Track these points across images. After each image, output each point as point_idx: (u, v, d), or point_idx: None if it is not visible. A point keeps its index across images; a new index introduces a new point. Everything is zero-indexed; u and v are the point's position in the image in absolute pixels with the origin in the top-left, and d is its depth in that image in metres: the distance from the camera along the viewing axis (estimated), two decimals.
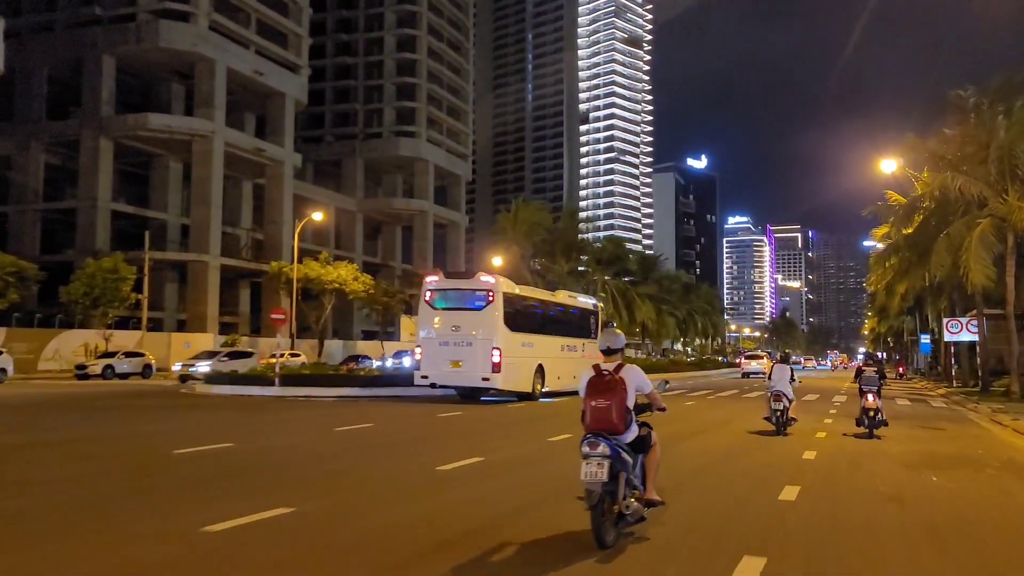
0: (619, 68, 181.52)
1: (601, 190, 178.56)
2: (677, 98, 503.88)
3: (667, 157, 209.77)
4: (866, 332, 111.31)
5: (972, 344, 35.92)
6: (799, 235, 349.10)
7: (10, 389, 26.52)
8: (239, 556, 5.26)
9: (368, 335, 70.25)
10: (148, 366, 38.31)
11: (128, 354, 38.68)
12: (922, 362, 61.43)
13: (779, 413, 13.58)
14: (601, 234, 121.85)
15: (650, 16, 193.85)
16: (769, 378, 14.41)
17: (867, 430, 13.43)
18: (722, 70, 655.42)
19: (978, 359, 33.39)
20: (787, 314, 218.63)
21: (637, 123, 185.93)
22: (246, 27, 63.24)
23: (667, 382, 7.03)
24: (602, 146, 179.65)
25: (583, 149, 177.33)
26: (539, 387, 22.60)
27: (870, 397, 13.52)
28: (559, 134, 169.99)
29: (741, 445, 12.41)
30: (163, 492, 7.63)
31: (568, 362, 24.38)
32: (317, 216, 50.87)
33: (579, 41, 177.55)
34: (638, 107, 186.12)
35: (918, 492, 8.22)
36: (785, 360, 15.14)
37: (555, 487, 8.12)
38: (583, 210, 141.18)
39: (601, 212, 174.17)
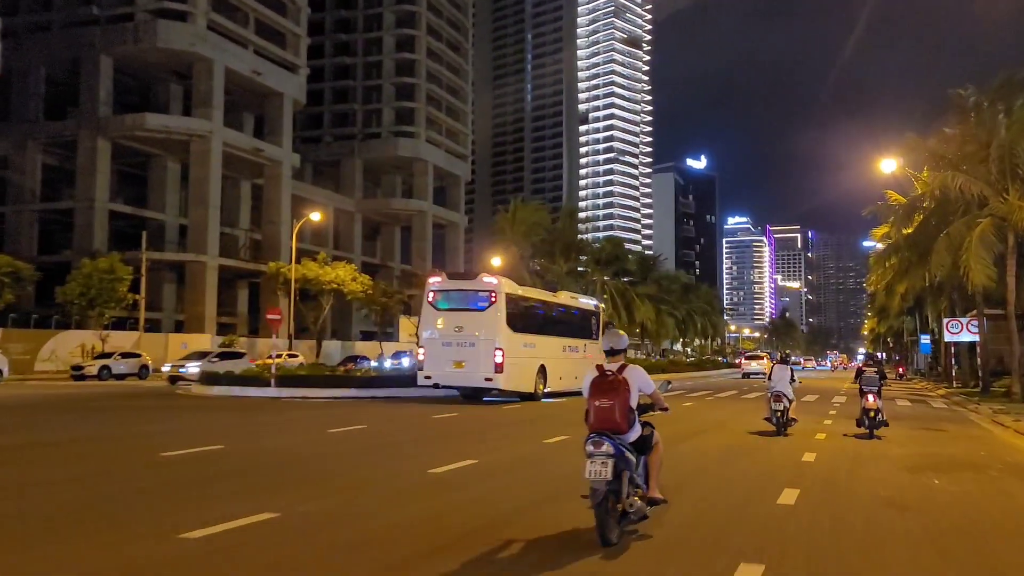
0: (618, 68, 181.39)
1: (600, 190, 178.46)
2: (677, 98, 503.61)
3: (666, 157, 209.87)
4: (866, 332, 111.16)
5: (972, 344, 35.76)
6: (799, 235, 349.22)
7: (5, 390, 26.34)
8: (216, 565, 5.08)
9: (367, 336, 70.11)
10: (145, 367, 38.14)
11: (125, 355, 38.52)
12: (922, 362, 61.26)
13: (779, 414, 13.55)
14: (600, 234, 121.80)
15: (649, 16, 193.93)
16: (769, 379, 14.35)
17: (867, 430, 13.41)
18: (722, 70, 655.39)
19: (978, 359, 33.23)
20: (787, 314, 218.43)
21: (636, 123, 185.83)
22: (244, 27, 63.09)
23: (669, 382, 7.06)
24: (601, 146, 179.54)
25: (582, 149, 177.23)
26: (541, 387, 22.67)
27: (871, 398, 13.49)
28: (558, 134, 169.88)
29: (740, 446, 12.24)
30: (145, 496, 7.45)
31: (570, 363, 24.49)
32: (315, 216, 50.74)
33: (578, 41, 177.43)
34: (637, 107, 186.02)
35: (920, 496, 8.04)
36: (785, 361, 15.10)
37: (551, 489, 7.99)
38: (583, 210, 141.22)
39: (600, 212, 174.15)
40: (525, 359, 21.94)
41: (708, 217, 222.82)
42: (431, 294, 21.95)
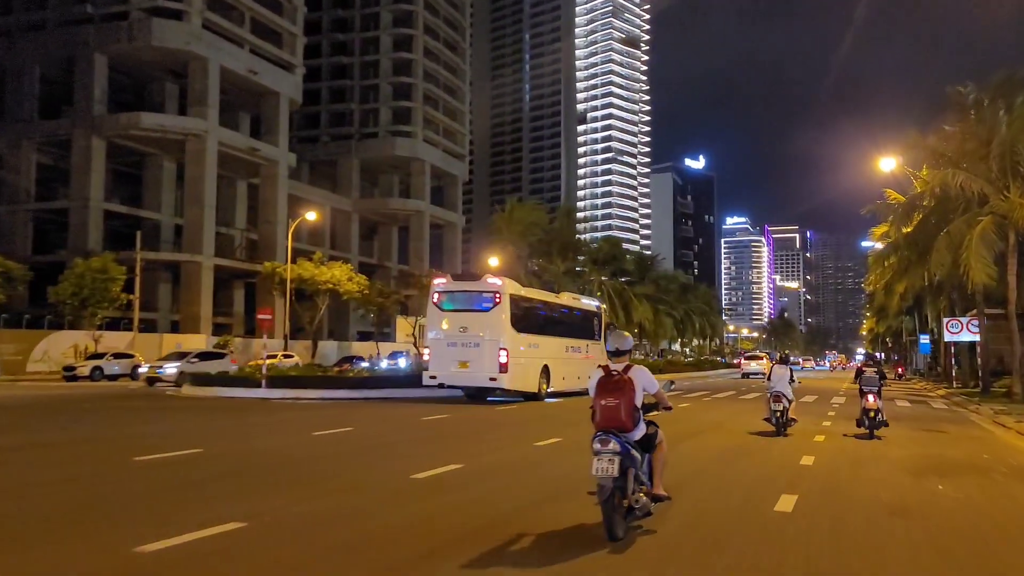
0: (617, 68, 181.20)
1: (599, 190, 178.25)
2: (675, 98, 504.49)
3: (665, 157, 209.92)
4: (864, 332, 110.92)
5: (972, 344, 35.49)
6: (797, 235, 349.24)
7: None
8: None
9: (364, 336, 69.83)
10: (137, 368, 37.75)
11: (117, 355, 38.20)
12: (921, 362, 60.99)
13: (779, 414, 13.49)
14: (599, 234, 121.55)
15: (648, 16, 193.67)
16: (768, 379, 14.26)
17: (867, 431, 13.36)
18: (720, 70, 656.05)
19: (978, 359, 32.95)
20: (785, 315, 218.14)
21: (635, 123, 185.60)
22: (240, 25, 62.76)
23: (672, 382, 7.21)
24: (600, 146, 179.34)
25: (581, 149, 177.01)
26: (544, 387, 22.87)
27: (871, 398, 13.42)
28: (557, 134, 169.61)
29: (737, 448, 11.96)
30: (108, 506, 7.04)
31: (572, 363, 24.75)
32: (311, 216, 50.35)
33: (576, 41, 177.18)
34: (636, 107, 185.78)
35: (924, 502, 7.71)
36: (784, 361, 15.01)
37: (549, 490, 7.73)
38: (581, 210, 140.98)
39: (599, 212, 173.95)
40: (529, 359, 22.15)
41: (706, 217, 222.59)
42: (436, 295, 22.16)
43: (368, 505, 7.15)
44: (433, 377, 21.52)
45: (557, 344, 24.41)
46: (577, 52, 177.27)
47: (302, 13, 71.13)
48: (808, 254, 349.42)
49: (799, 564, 5.37)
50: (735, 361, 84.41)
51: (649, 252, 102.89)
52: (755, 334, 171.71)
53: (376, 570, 5.07)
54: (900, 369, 56.56)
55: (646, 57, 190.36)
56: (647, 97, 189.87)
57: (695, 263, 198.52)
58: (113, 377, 36.05)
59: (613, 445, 5.61)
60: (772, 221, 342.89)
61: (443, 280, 22.82)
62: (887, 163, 31.52)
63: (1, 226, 57.22)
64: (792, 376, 13.94)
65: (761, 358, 57.24)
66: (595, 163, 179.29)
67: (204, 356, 34.03)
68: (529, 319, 22.92)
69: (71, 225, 55.94)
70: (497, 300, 21.36)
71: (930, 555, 5.76)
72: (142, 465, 9.36)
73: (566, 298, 27.91)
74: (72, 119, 57.31)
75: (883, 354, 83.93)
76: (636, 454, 5.78)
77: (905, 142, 30.64)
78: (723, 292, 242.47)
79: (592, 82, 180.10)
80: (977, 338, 30.88)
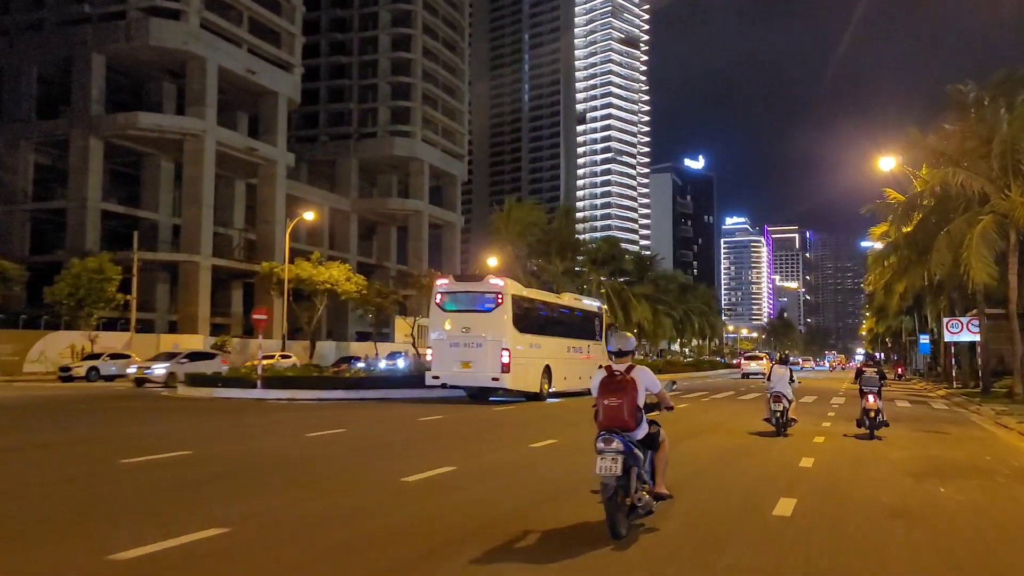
0: (616, 68, 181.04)
1: (598, 190, 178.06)
2: (674, 98, 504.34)
3: (664, 157, 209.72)
4: (864, 332, 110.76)
5: (972, 344, 35.31)
6: (796, 236, 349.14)
7: None
8: None
9: (362, 336, 69.62)
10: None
11: (114, 356, 38.01)
12: (921, 363, 60.82)
13: (779, 414, 13.47)
14: (598, 235, 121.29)
15: (647, 16, 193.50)
16: (768, 379, 14.23)
17: (868, 431, 13.32)
18: (720, 70, 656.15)
19: (979, 360, 32.77)
20: (785, 315, 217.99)
21: (634, 123, 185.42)
22: (238, 25, 62.59)
23: (674, 382, 7.36)
24: (599, 146, 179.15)
25: (580, 149, 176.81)
26: (546, 387, 22.99)
27: (871, 398, 13.38)
28: (556, 134, 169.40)
29: (738, 448, 11.82)
30: (89, 511, 6.84)
31: (574, 363, 24.89)
32: (309, 216, 50.14)
33: (576, 41, 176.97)
34: (635, 107, 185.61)
35: (926, 506, 7.53)
36: (784, 361, 15.00)
37: (536, 496, 7.51)
38: (580, 211, 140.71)
39: (598, 213, 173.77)
40: (531, 359, 22.26)
41: (706, 217, 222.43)
42: (438, 296, 22.28)
43: (359, 508, 6.98)
44: (436, 377, 21.60)
45: (559, 344, 24.48)
46: (576, 52, 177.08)
47: (300, 13, 70.97)
48: (807, 254, 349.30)
49: (799, 564, 5.28)
50: (735, 361, 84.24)
51: (648, 252, 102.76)
52: (754, 334, 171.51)
53: (376, 571, 4.95)
54: (900, 369, 56.41)
55: (645, 57, 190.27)
56: (646, 97, 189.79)
57: (694, 263, 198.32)
58: (110, 378, 35.85)
59: (616, 444, 5.68)
60: (771, 221, 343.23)
61: (446, 281, 22.97)
62: (887, 162, 31.34)
63: None
64: (792, 376, 13.91)
65: (761, 358, 57.11)
66: (594, 163, 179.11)
67: (194, 356, 33.35)
68: (531, 319, 23.03)
69: (69, 225, 55.77)
70: (499, 301, 21.45)
71: (932, 558, 5.61)
72: (129, 467, 9.18)
73: (567, 299, 28.08)
74: (70, 119, 57.16)
75: (882, 354, 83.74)
76: (639, 453, 5.87)
77: (905, 141, 30.53)
78: (722, 292, 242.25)
79: (591, 82, 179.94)
80: (977, 338, 30.64)
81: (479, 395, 22.52)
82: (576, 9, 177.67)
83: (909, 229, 31.16)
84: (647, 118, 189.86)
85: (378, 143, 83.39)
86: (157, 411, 18.86)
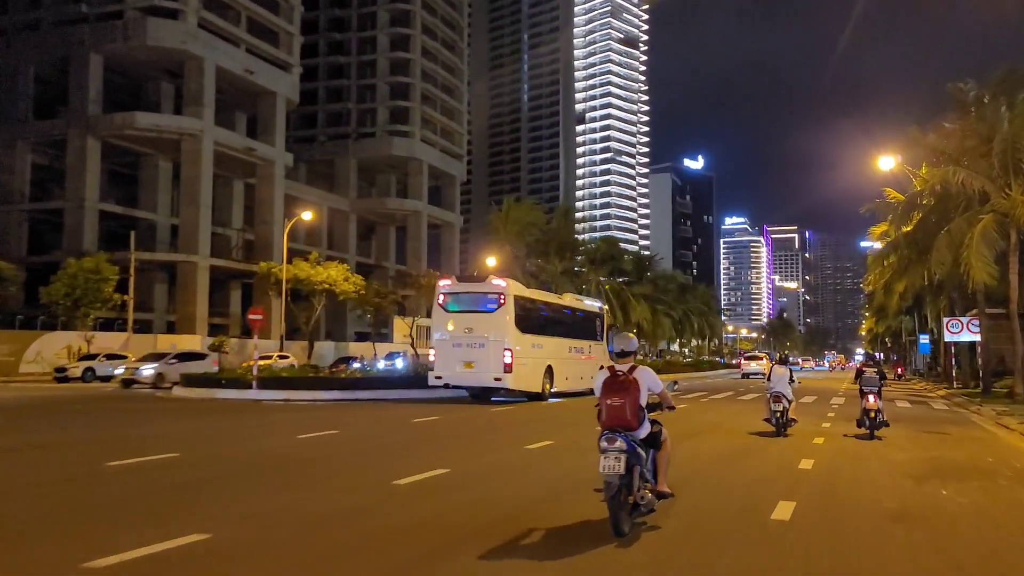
0: (615, 68, 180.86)
1: (598, 190, 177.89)
2: (674, 98, 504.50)
3: (664, 158, 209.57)
4: (863, 333, 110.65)
5: (972, 344, 35.16)
6: (796, 236, 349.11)
7: None
8: None
9: (361, 336, 69.45)
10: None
11: (110, 356, 37.83)
12: (920, 363, 60.67)
13: (779, 414, 13.43)
14: (597, 235, 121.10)
15: (646, 16, 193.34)
16: (768, 379, 14.20)
17: (868, 431, 13.27)
18: (720, 70, 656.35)
19: (979, 360, 32.62)
20: (784, 315, 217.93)
21: (633, 123, 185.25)
22: (236, 25, 62.43)
23: (676, 383, 7.37)
24: (598, 146, 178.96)
25: (579, 149, 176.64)
26: (548, 387, 23.07)
27: (871, 398, 13.34)
28: (555, 134, 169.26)
29: (738, 448, 11.69)
30: (70, 515, 6.65)
31: (575, 363, 25.02)
32: (307, 216, 49.98)
33: (575, 41, 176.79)
34: (634, 107, 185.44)
35: (928, 508, 7.37)
36: (784, 362, 14.99)
37: (536, 496, 7.34)
38: (580, 211, 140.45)
39: (598, 213, 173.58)
40: (533, 359, 22.36)
41: (705, 217, 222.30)
42: (441, 296, 22.34)
43: (352, 511, 6.82)
44: (439, 377, 21.69)
45: (560, 345, 24.58)
46: (576, 52, 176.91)
47: (299, 12, 70.81)
48: (807, 254, 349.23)
49: (799, 565, 5.24)
50: (734, 362, 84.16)
51: (647, 252, 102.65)
52: (754, 334, 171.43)
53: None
54: (899, 369, 56.31)
55: (645, 57, 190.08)
56: (646, 97, 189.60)
57: (694, 263, 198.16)
58: (106, 378, 35.64)
59: (619, 443, 5.75)
60: (771, 221, 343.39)
61: (448, 282, 23.07)
62: (886, 162, 31.23)
63: None
64: (792, 376, 13.89)
65: (761, 358, 57.08)
66: (594, 163, 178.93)
67: (183, 357, 32.77)
68: (533, 320, 23.12)
69: (66, 225, 55.60)
70: (502, 301, 21.54)
71: (934, 561, 5.48)
72: (115, 470, 9.00)
73: (569, 299, 28.24)
74: (67, 119, 56.99)
75: (882, 354, 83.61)
76: (641, 452, 5.95)
77: (905, 140, 30.44)
78: (722, 292, 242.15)
79: (591, 82, 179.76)
80: (978, 338, 30.53)
81: (482, 395, 22.57)
82: (575, 9, 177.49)
83: (909, 228, 31.02)
84: (646, 118, 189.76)
85: (377, 143, 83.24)
86: (148, 412, 18.69)
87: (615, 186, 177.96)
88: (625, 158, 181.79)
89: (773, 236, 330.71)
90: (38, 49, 58.24)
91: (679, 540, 5.90)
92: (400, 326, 60.55)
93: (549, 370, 23.05)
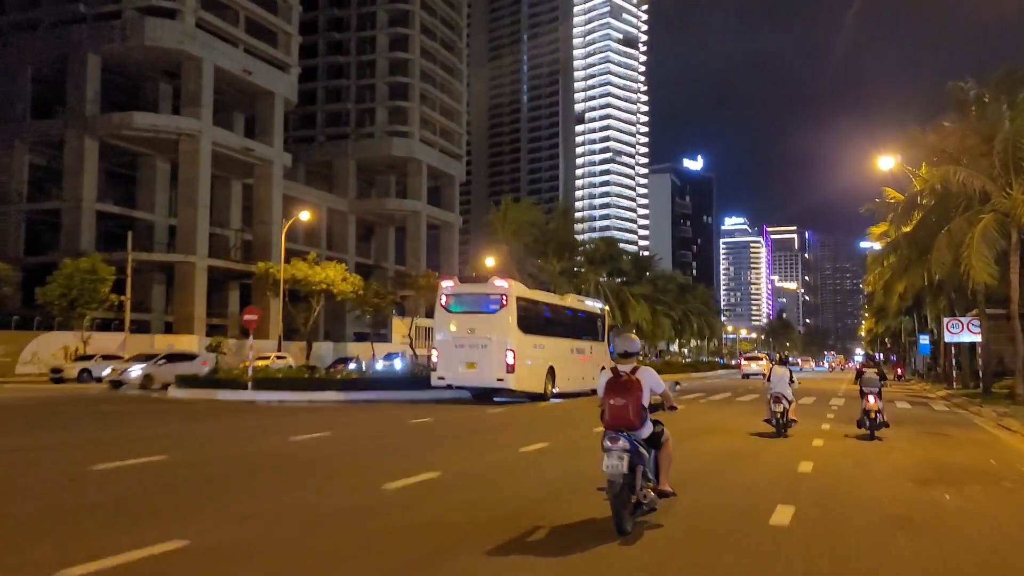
0: (614, 68, 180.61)
1: (597, 191, 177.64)
2: (673, 98, 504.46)
3: (663, 158, 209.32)
4: (863, 333, 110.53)
5: (972, 345, 35.03)
6: (795, 236, 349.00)
7: None
8: None
9: (360, 337, 69.28)
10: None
11: (106, 357, 37.66)
12: (920, 363, 60.52)
13: (779, 415, 13.40)
14: (597, 235, 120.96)
15: (646, 16, 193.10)
16: (768, 380, 14.17)
17: (868, 431, 13.23)
18: (719, 70, 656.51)
19: (979, 360, 32.48)
20: (784, 315, 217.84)
21: (633, 123, 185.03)
22: (234, 25, 62.25)
23: (678, 383, 7.54)
24: (598, 146, 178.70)
25: (579, 149, 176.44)
26: (550, 388, 23.11)
27: (871, 399, 13.29)
28: (555, 135, 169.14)
29: (736, 450, 11.54)
30: (48, 522, 6.36)
31: (577, 364, 25.10)
32: (304, 216, 49.85)
33: (574, 41, 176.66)
34: (634, 107, 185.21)
35: (931, 513, 7.21)
36: (784, 362, 14.96)
37: (536, 496, 7.20)
38: (579, 211, 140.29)
39: (597, 213, 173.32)
40: (535, 360, 22.44)
41: (705, 218, 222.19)
42: (444, 297, 22.42)
43: (343, 513, 6.64)
44: (441, 378, 21.76)
45: (562, 345, 24.67)
46: (575, 52, 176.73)
47: (297, 12, 70.63)
48: (807, 255, 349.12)
49: (799, 566, 5.23)
50: (734, 362, 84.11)
51: (647, 252, 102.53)
52: (754, 335, 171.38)
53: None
54: (899, 370, 56.22)
55: (644, 57, 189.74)
56: (645, 97, 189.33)
57: (693, 264, 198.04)
58: (102, 379, 35.45)
59: (622, 443, 5.83)
60: (770, 221, 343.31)
61: (451, 283, 23.16)
62: (886, 161, 31.10)
63: None
64: (792, 377, 13.86)
65: (762, 359, 57.09)
66: (593, 163, 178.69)
67: (172, 358, 32.15)
68: (535, 321, 23.19)
69: (64, 226, 55.42)
70: (504, 302, 21.61)
71: (937, 568, 5.33)
72: (100, 474, 8.82)
73: (571, 300, 28.36)
74: (65, 119, 56.79)
75: (882, 355, 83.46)
76: (644, 451, 6.05)
77: (905, 139, 30.33)
78: (721, 293, 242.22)
79: (590, 82, 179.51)
80: (978, 338, 30.40)
81: (484, 396, 22.66)
82: (575, 9, 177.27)
83: (909, 228, 30.88)
84: (646, 118, 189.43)
85: (376, 143, 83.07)
86: (141, 414, 18.52)
87: (614, 186, 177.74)
88: (624, 158, 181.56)
89: (773, 236, 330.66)
90: (36, 49, 58.04)
91: (680, 539, 5.94)
92: (399, 326, 60.48)
93: (551, 371, 23.12)
